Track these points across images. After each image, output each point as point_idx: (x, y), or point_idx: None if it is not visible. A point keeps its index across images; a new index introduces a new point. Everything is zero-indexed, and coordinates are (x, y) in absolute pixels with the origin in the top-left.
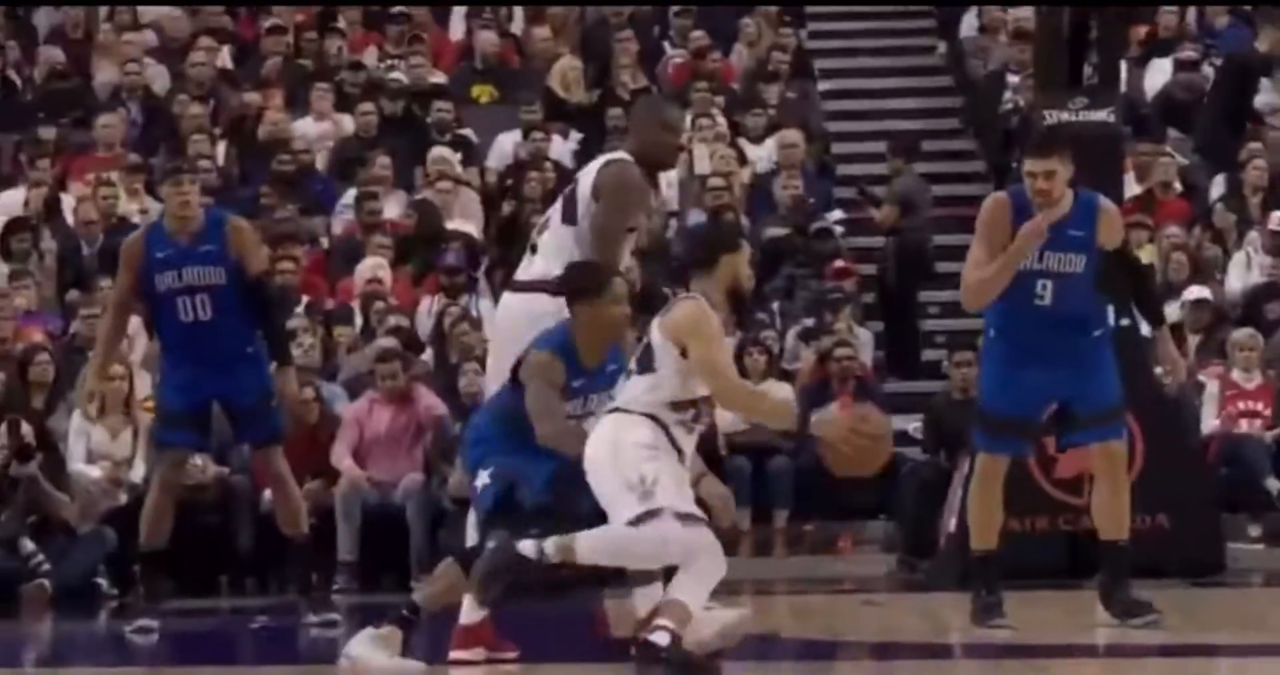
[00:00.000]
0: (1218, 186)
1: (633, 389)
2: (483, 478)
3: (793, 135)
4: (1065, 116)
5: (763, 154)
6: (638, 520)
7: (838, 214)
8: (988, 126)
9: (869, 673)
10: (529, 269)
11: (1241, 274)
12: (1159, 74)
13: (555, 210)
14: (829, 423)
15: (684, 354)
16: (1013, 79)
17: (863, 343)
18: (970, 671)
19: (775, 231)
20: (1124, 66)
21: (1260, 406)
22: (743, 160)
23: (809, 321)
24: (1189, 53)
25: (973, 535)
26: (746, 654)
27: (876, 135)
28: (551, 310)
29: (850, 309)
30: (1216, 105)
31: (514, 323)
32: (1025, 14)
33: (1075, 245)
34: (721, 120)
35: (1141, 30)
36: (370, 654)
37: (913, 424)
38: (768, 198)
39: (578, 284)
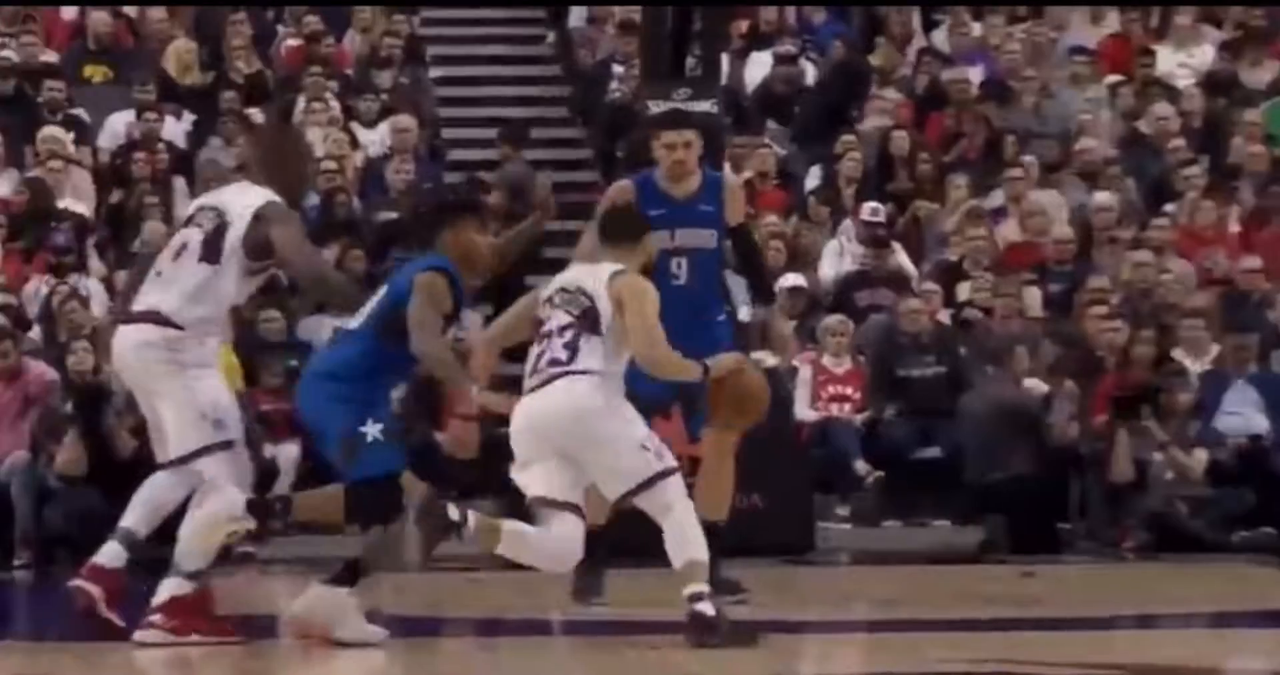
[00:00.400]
0: (813, 177)
1: (586, 357)
2: (373, 432)
3: (405, 120)
4: (669, 107)
5: (375, 138)
6: (657, 477)
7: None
8: (594, 115)
9: (471, 649)
10: (145, 298)
11: (834, 262)
12: (759, 67)
13: (193, 243)
14: (722, 360)
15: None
16: (618, 69)
17: (473, 325)
18: (571, 649)
19: (387, 215)
20: (725, 59)
21: (850, 391)
22: (355, 144)
23: None
24: (788, 47)
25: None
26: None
27: (487, 122)
28: (157, 341)
29: None
30: (817, 100)
31: (123, 356)
32: (632, 6)
33: (705, 221)
34: (335, 104)
35: (743, 24)
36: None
37: None
38: (380, 181)
39: (437, 212)
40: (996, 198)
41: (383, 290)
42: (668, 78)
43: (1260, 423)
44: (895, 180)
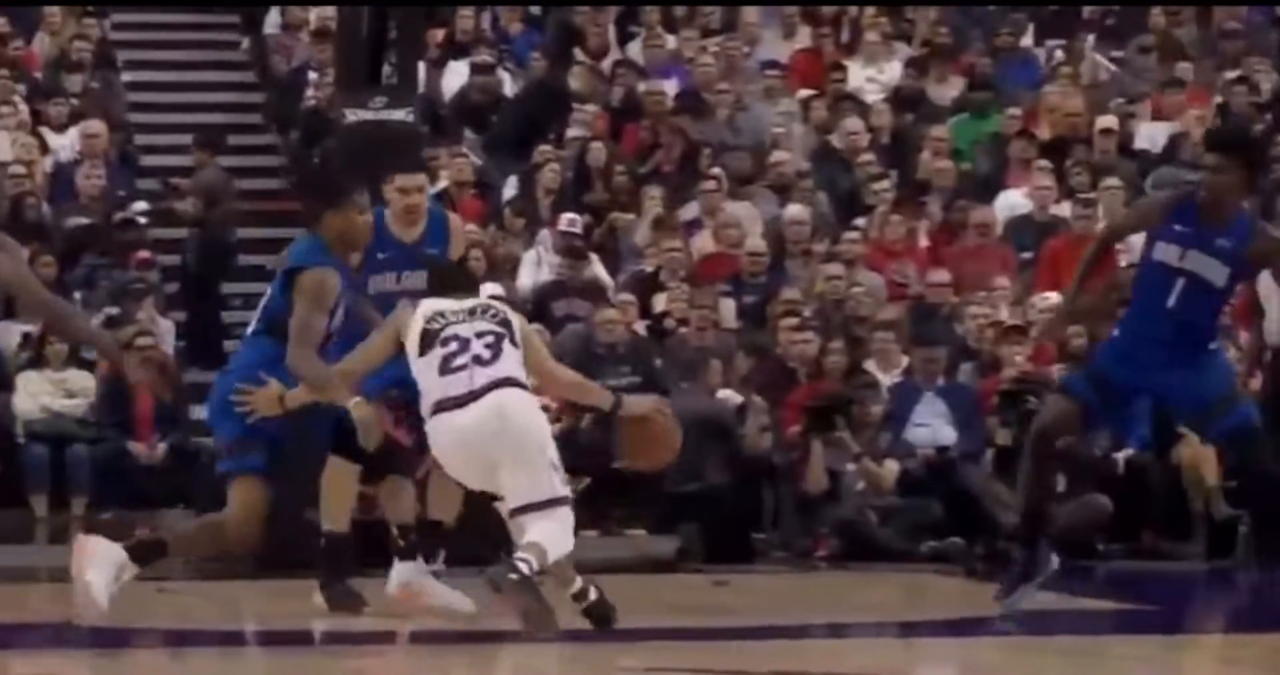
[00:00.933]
0: (511, 187)
1: (512, 362)
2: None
3: (95, 125)
4: (366, 115)
5: (65, 143)
6: (562, 501)
7: (142, 205)
8: (289, 123)
9: (163, 659)
10: None
11: (532, 272)
12: (456, 76)
13: None
14: (638, 402)
15: None
16: (313, 76)
17: (164, 332)
18: (266, 659)
19: (78, 221)
20: (422, 68)
21: (547, 400)
22: (45, 149)
23: (112, 310)
24: (484, 57)
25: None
26: (41, 640)
27: (181, 128)
28: None
29: (153, 299)
30: (515, 111)
31: None
32: (328, 13)
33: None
34: (24, 108)
35: (439, 33)
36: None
37: None
38: (69, 187)
39: (323, 193)
40: (692, 209)
41: (272, 285)
42: (364, 86)
43: (948, 434)
44: (592, 191)
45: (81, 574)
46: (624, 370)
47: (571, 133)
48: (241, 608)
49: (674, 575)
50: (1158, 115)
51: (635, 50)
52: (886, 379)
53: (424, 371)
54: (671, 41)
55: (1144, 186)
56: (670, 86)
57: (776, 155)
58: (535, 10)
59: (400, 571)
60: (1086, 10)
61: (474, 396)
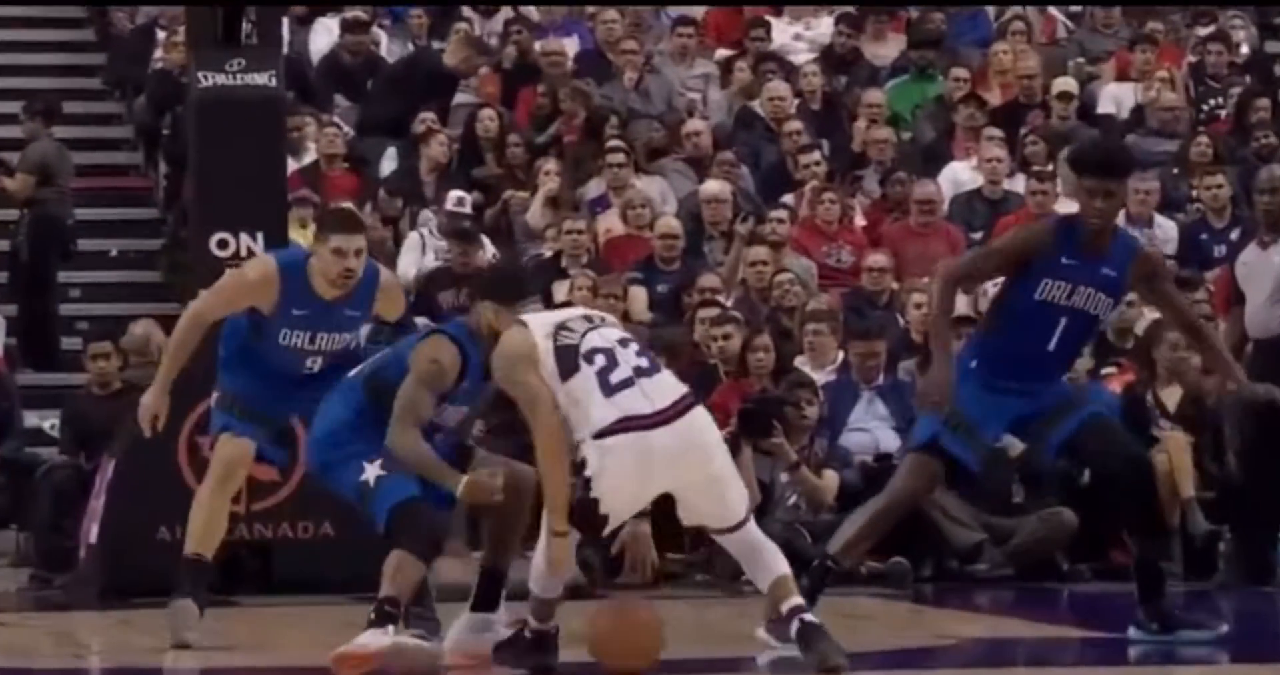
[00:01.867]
0: (389, 161)
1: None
2: (373, 473)
3: None
4: (222, 80)
5: None
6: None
7: None
8: (135, 89)
9: None
10: None
11: (415, 258)
12: (324, 35)
13: None
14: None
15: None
16: (162, 36)
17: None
18: None
19: None
20: (286, 25)
21: None
22: None
23: None
24: (358, 13)
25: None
26: None
27: (8, 94)
28: None
29: None
30: (393, 74)
31: None
32: None
33: (352, 325)
34: None
35: None
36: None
37: (49, 421)
38: None
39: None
40: (596, 186)
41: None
42: (219, 47)
43: (889, 439)
44: (482, 165)
45: None
46: None
47: (458, 99)
48: (85, 641)
49: (576, 602)
50: (1123, 77)
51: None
52: (819, 376)
53: (579, 392)
54: None
55: None
56: (570, 46)
57: (692, 124)
58: None
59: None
60: None
61: (664, 417)
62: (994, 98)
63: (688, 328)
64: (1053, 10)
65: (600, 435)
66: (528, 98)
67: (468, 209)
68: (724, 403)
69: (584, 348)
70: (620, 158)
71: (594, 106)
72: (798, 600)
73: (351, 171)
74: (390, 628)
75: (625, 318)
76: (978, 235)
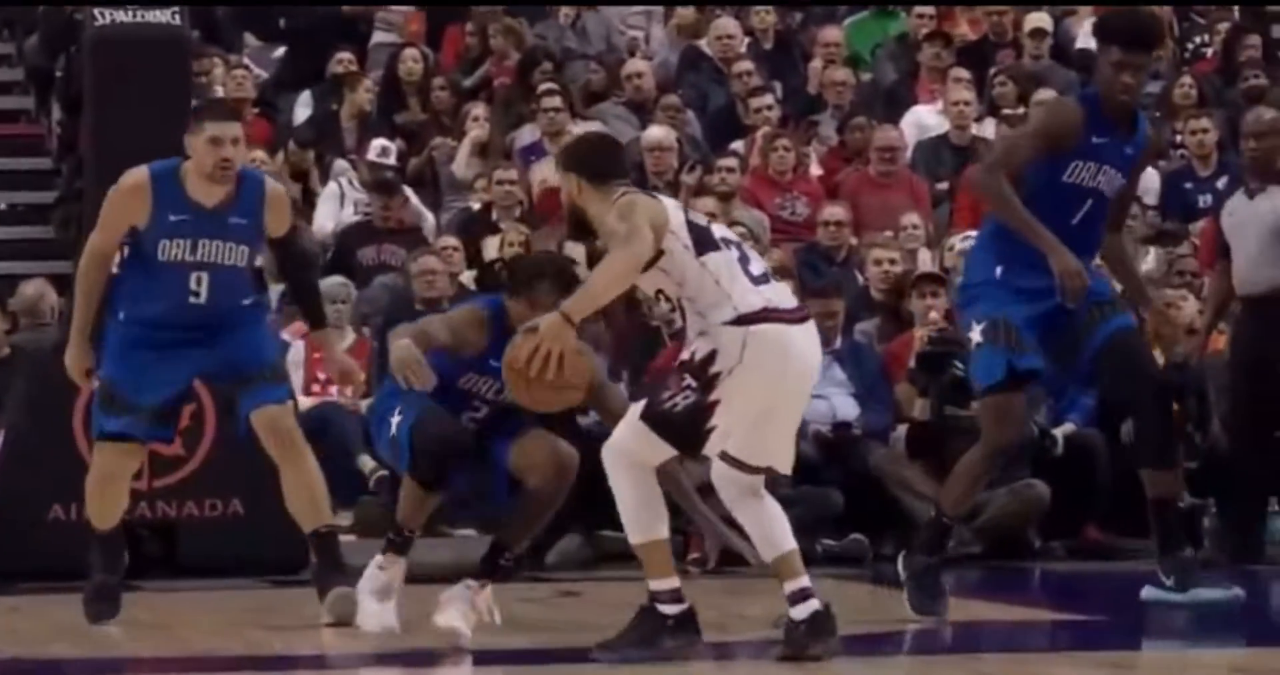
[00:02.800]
0: (304, 105)
1: None
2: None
3: None
4: (121, 17)
5: None
6: None
7: None
8: (26, 28)
9: None
10: None
11: (332, 211)
12: None
13: None
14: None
15: None
16: None
17: None
18: None
19: None
20: None
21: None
22: None
23: None
24: None
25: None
26: None
27: None
28: None
29: None
30: (313, 10)
31: None
32: None
33: (238, 234)
34: None
35: None
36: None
37: None
38: None
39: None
40: (529, 133)
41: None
42: None
43: (848, 407)
44: (407, 111)
45: None
46: None
47: (378, 38)
48: None
49: (510, 584)
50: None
51: None
52: None
53: (720, 270)
54: None
55: None
56: None
57: (633, 65)
58: None
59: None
60: None
61: (804, 315)
62: (961, 35)
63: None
64: None
65: (743, 321)
66: (454, 37)
67: (391, 159)
68: (663, 366)
69: (716, 234)
70: (555, 102)
71: (527, 46)
72: (805, 582)
73: (263, 117)
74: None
75: None
76: (943, 185)
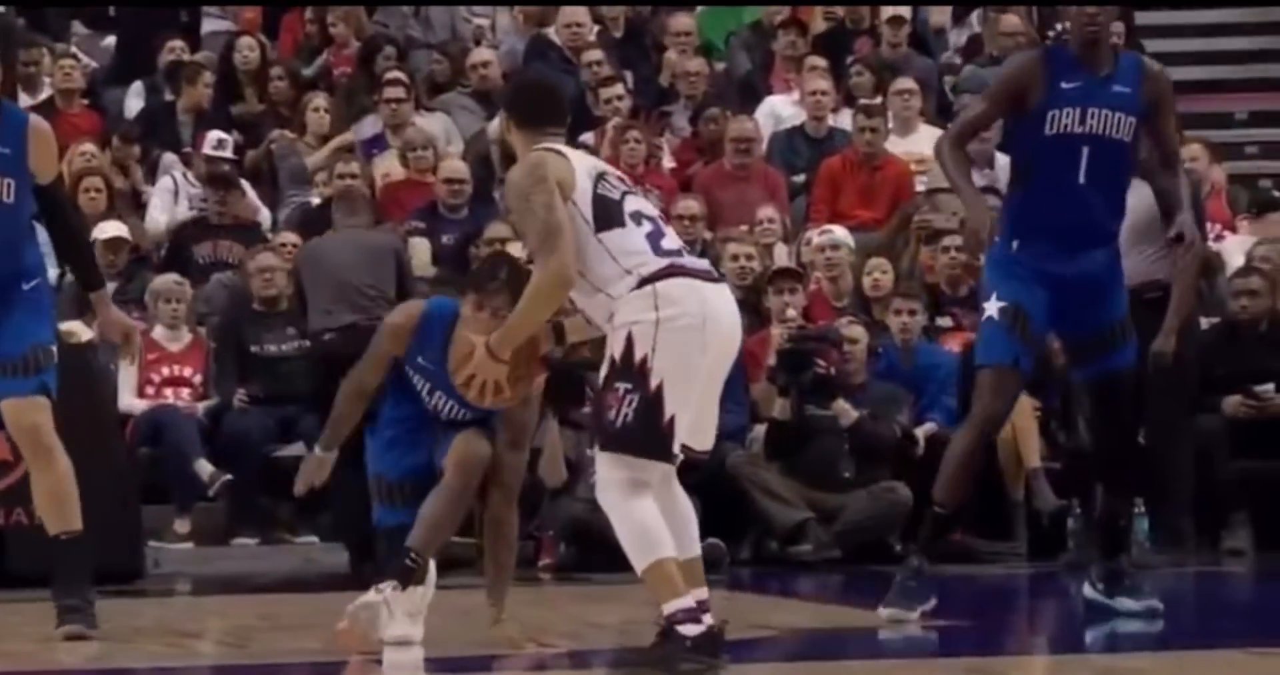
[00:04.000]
0: (135, 96)
1: None
2: None
3: None
4: None
5: None
6: None
7: None
8: None
9: None
10: None
11: (166, 207)
12: None
13: None
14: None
15: None
16: None
17: None
18: None
19: None
20: None
21: (189, 372)
22: None
23: None
24: None
25: None
26: None
27: None
28: None
29: None
30: None
31: None
32: None
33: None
34: None
35: None
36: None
37: None
38: None
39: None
40: (371, 124)
41: None
42: None
43: None
44: (243, 102)
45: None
46: (290, 333)
47: (212, 26)
48: None
49: (351, 592)
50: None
51: None
52: None
53: (618, 247)
54: None
55: (945, 91)
56: None
57: (478, 54)
58: None
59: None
60: None
61: (716, 277)
62: (816, 23)
63: None
64: None
65: (648, 281)
66: (293, 24)
67: (228, 152)
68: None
69: (627, 208)
70: (399, 92)
71: (367, 34)
72: (704, 594)
73: (92, 108)
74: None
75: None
76: (799, 178)
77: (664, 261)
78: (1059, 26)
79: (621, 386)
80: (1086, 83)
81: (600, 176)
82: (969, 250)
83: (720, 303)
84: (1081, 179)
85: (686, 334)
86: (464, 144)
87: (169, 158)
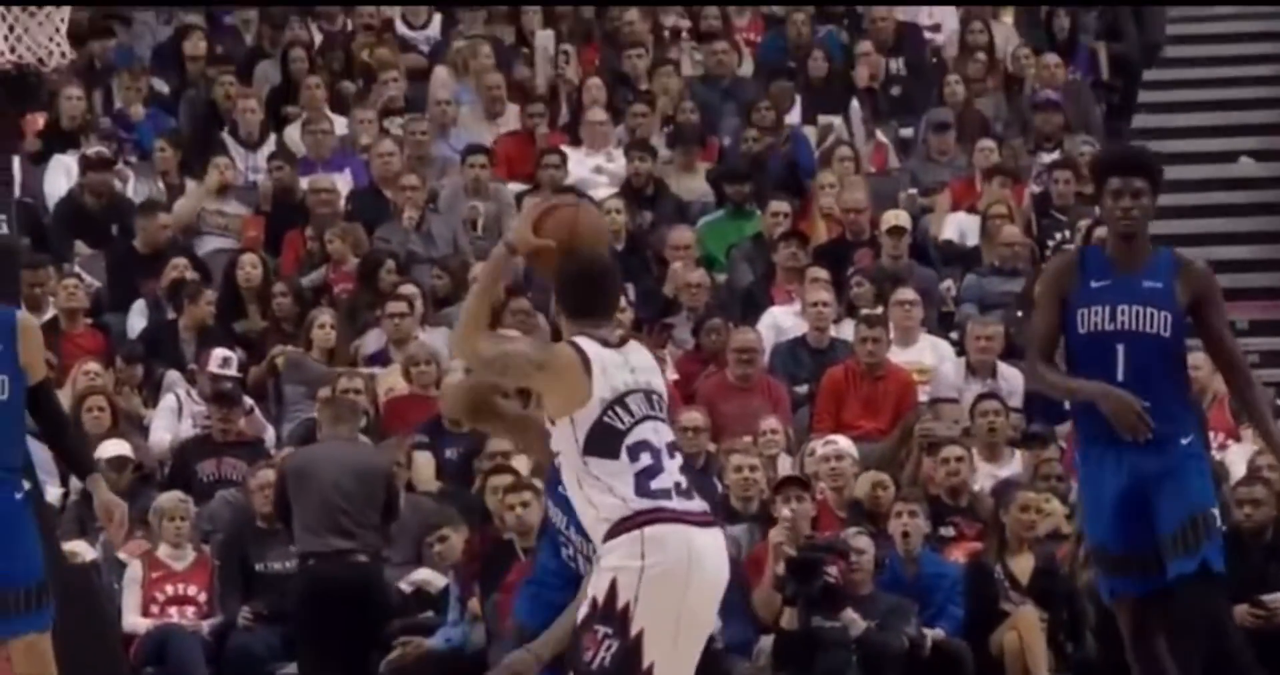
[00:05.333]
0: (137, 315)
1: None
2: None
3: None
4: None
5: None
6: None
7: None
8: None
9: None
10: None
11: (170, 424)
12: (62, 174)
13: None
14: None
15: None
16: None
17: None
18: None
19: None
20: (17, 163)
21: (194, 591)
22: None
23: None
24: (99, 149)
25: None
26: None
27: None
28: None
29: None
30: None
31: None
32: None
33: None
34: None
35: (38, 118)
36: None
37: None
38: None
39: None
40: (375, 339)
41: None
42: None
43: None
44: (246, 319)
45: None
46: (292, 550)
47: (215, 244)
48: None
49: None
50: (959, 210)
51: (294, 136)
52: None
53: (608, 475)
54: (341, 124)
55: (948, 299)
56: (342, 182)
57: (481, 267)
58: (162, 87)
59: None
60: (863, 78)
61: (705, 519)
62: (817, 234)
63: (480, 497)
64: (881, 137)
65: (636, 522)
66: (294, 242)
67: (233, 370)
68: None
69: (630, 440)
70: (401, 307)
71: (369, 249)
72: None
73: (96, 327)
74: None
75: (409, 488)
76: (802, 389)
77: (645, 504)
78: (1058, 235)
79: (601, 630)
80: (1116, 280)
81: (619, 400)
82: (1132, 431)
83: (708, 548)
84: (1120, 377)
85: (670, 580)
86: None
87: (172, 375)
